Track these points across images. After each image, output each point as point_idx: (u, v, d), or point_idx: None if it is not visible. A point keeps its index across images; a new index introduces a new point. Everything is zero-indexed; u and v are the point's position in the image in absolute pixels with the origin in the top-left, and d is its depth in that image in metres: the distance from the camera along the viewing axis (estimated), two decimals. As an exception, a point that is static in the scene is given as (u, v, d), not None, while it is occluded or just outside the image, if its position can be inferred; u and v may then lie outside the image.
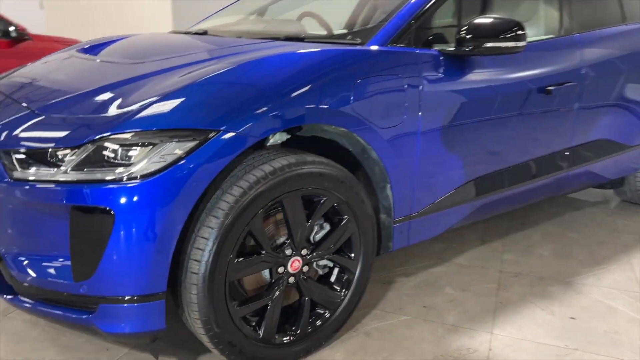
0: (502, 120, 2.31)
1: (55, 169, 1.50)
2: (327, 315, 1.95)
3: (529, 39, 2.55)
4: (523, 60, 2.37)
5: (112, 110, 1.56)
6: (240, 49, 1.98)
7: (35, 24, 8.11)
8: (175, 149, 1.50)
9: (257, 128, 1.60)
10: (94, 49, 2.33)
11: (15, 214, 1.57)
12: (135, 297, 1.52)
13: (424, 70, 2.01)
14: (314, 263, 1.94)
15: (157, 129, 1.50)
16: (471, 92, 2.17)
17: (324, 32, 2.64)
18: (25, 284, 1.60)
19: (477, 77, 2.19)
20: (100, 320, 1.55)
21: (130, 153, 1.49)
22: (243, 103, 1.60)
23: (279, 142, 1.91)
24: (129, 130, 1.49)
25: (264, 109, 1.62)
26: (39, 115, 1.63)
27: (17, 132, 1.59)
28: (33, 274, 1.58)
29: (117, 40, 2.43)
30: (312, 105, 1.71)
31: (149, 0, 7.59)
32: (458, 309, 2.27)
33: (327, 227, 1.94)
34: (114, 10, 7.83)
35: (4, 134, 1.60)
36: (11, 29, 5.23)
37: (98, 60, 2.13)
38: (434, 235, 2.28)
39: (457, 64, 2.13)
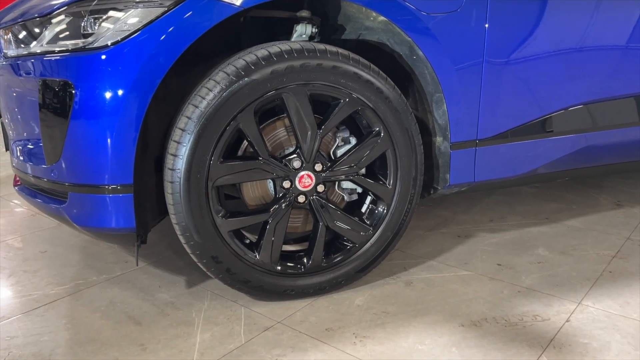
0: (632, 21, 1.68)
1: (34, 43, 1.42)
2: (351, 250, 1.60)
3: None
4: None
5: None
6: None
7: None
8: (140, 17, 1.30)
9: (236, -5, 1.33)
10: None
11: (9, 94, 1.54)
12: (99, 187, 1.37)
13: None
14: (336, 185, 1.61)
15: (121, -6, 1.32)
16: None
17: None
18: (19, 170, 1.57)
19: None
20: (70, 211, 1.44)
21: (97, 22, 1.33)
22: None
23: (304, 37, 1.61)
24: (93, -4, 1.34)
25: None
26: (37, -5, 1.57)
27: (13, 12, 1.54)
28: (21, 158, 1.54)
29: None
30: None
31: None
32: (544, 272, 1.73)
33: (353, 141, 1.59)
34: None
35: (6, 14, 1.57)
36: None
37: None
38: (514, 174, 1.76)
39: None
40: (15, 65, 1.47)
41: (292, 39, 1.60)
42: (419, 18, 1.49)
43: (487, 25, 1.54)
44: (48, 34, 1.39)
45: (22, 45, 1.46)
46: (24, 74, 1.45)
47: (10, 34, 1.50)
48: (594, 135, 1.80)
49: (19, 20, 1.46)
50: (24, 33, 1.47)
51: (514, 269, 1.76)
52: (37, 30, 1.43)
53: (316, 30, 1.61)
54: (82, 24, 1.35)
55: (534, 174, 1.79)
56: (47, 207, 1.51)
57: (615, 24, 1.70)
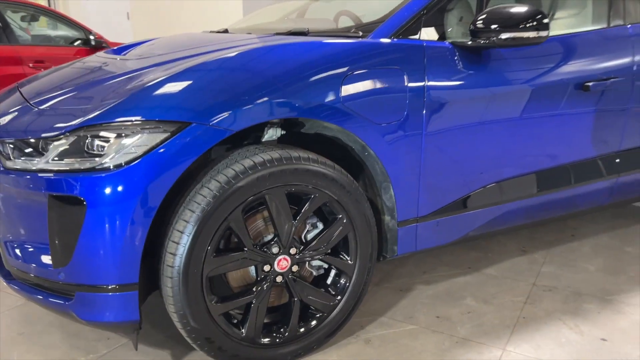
0: (527, 119, 2.11)
1: (39, 159, 1.57)
2: (320, 318, 1.88)
3: (570, 31, 2.36)
4: (555, 55, 2.16)
5: (93, 103, 1.60)
6: (236, 43, 1.97)
7: (123, 34, 8.73)
8: (146, 141, 1.51)
9: (230, 122, 1.57)
10: (122, 50, 2.43)
11: (7, 202, 1.66)
12: (107, 287, 1.55)
13: (431, 64, 1.89)
14: (307, 263, 1.88)
15: (129, 121, 1.52)
16: (489, 88, 2.01)
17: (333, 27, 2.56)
18: (15, 268, 1.69)
19: (497, 72, 2.03)
20: (76, 307, 1.59)
21: (104, 144, 1.52)
22: (215, 96, 1.58)
23: (274, 137, 1.87)
24: (102, 122, 1.52)
25: (236, 104, 1.59)
26: (33, 108, 1.71)
27: (11, 123, 1.68)
28: (21, 259, 1.66)
29: (145, 42, 2.51)
30: (294, 102, 1.66)
31: (226, 12, 7.92)
32: (474, 322, 2.11)
33: (320, 226, 1.87)
34: (193, 22, 8.24)
35: (2, 125, 1.69)
36: (91, 37, 5.64)
37: (117, 59, 2.20)
38: (447, 241, 2.13)
39: (473, 59, 1.99)
40: (17, 178, 1.59)
41: (263, 140, 1.86)
42: (371, 126, 1.80)
43: (423, 132, 1.89)
44: (54, 152, 1.54)
45: (24, 159, 1.59)
46: (27, 187, 1.58)
47: (9, 147, 1.63)
48: (505, 206, 2.21)
49: (22, 137, 1.60)
50: (26, 148, 1.60)
51: (450, 320, 2.13)
52: (41, 145, 1.58)
53: (284, 132, 1.88)
54: (90, 145, 1.53)
55: (464, 237, 2.17)
56: (48, 302, 1.64)
57: (506, 125, 2.10)
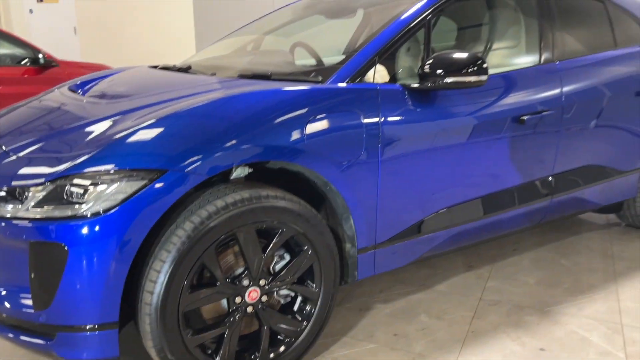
0: (471, 150, 2.33)
1: (16, 206, 1.63)
2: (289, 343, 2.01)
3: (506, 69, 2.61)
4: (494, 92, 2.39)
5: (72, 152, 1.69)
6: (203, 88, 2.09)
7: (70, 49, 8.58)
8: (125, 189, 1.61)
9: (203, 167, 1.69)
10: (83, 85, 2.49)
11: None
12: (88, 327, 1.63)
13: (385, 105, 2.07)
14: (275, 292, 2.01)
15: (107, 170, 1.61)
16: (436, 124, 2.21)
17: (293, 68, 2.72)
18: (-5, 311, 1.74)
19: (443, 109, 2.23)
20: (58, 347, 1.66)
21: (84, 192, 1.60)
22: (189, 144, 1.70)
23: (242, 175, 2.00)
24: (82, 171, 1.61)
25: (209, 150, 1.71)
26: (9, 155, 1.77)
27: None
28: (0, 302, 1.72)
29: (106, 76, 2.58)
30: (260, 145, 1.80)
31: (175, 26, 7.93)
32: (428, 338, 2.29)
33: (287, 257, 2.01)
34: (142, 35, 8.20)
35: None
36: (39, 56, 5.57)
37: (83, 100, 2.27)
38: (402, 264, 2.32)
39: (422, 98, 2.18)
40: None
41: (231, 177, 1.98)
42: (331, 164, 1.96)
43: (379, 168, 2.06)
44: (33, 199, 1.62)
45: (7, 206, 1.65)
46: (3, 233, 1.64)
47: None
48: (455, 228, 2.42)
49: (8, 184, 1.66)
50: (2, 194, 1.67)
51: (407, 337, 2.31)
52: (18, 192, 1.65)
53: (251, 169, 2.01)
54: (69, 193, 1.61)
55: (419, 259, 2.36)
56: (26, 342, 1.70)
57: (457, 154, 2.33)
